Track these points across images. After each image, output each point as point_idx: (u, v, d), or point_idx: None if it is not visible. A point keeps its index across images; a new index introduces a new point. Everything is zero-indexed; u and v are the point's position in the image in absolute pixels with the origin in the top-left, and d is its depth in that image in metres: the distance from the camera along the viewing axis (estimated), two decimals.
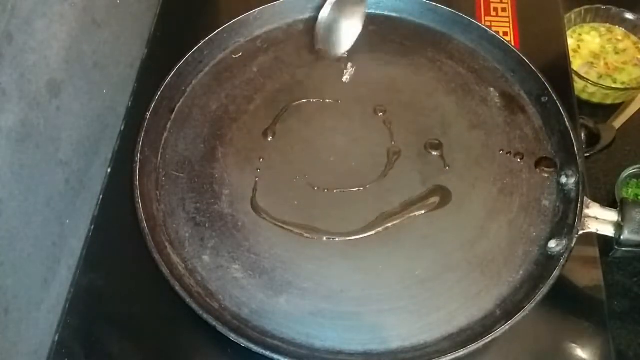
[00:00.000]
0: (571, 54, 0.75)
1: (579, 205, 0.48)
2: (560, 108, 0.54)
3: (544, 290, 0.45)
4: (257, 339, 0.45)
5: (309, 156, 0.55)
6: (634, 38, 0.84)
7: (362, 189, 0.53)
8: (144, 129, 0.53)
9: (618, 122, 0.77)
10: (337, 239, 0.50)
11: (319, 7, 0.63)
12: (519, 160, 0.54)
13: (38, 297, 0.51)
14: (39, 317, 0.51)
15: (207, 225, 0.51)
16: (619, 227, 0.47)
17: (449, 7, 0.62)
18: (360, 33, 0.63)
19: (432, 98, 0.59)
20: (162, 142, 0.56)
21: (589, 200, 0.49)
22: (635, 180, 0.72)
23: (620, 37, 0.84)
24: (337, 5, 0.56)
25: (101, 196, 0.58)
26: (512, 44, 0.61)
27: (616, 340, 0.49)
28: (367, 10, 0.64)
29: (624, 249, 0.47)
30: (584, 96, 0.79)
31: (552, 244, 0.49)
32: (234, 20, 0.61)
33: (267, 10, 0.63)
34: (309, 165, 0.54)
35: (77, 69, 0.55)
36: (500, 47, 0.60)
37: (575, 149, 0.52)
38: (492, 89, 0.59)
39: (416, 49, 0.62)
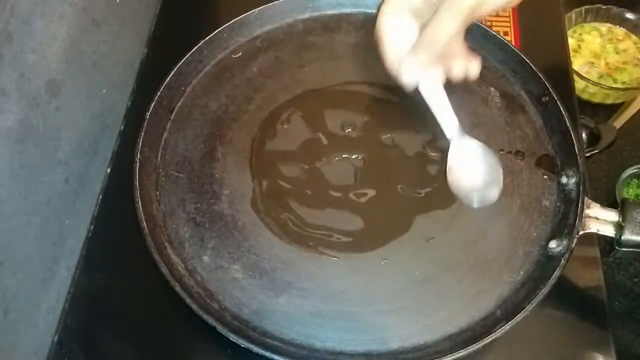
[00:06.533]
0: (572, 53, 0.75)
1: (579, 205, 0.48)
2: (561, 108, 0.54)
3: (545, 290, 0.45)
4: (257, 339, 0.44)
5: (309, 156, 0.55)
6: (634, 38, 0.84)
7: (362, 188, 0.53)
8: (144, 129, 0.53)
9: (619, 122, 0.77)
10: (337, 239, 0.50)
11: (319, 7, 0.64)
12: (519, 160, 0.54)
13: (37, 297, 0.51)
14: (38, 318, 0.51)
15: (207, 226, 0.51)
16: (619, 227, 0.47)
17: None
18: (360, 33, 0.63)
19: None
20: (162, 142, 0.55)
21: (590, 201, 0.49)
22: (636, 180, 0.72)
23: (620, 37, 0.84)
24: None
25: (101, 196, 0.58)
26: (513, 43, 0.61)
27: (617, 340, 0.49)
28: (366, 10, 0.64)
29: (624, 249, 0.47)
30: (585, 96, 0.79)
31: (553, 244, 0.48)
32: (234, 20, 0.61)
33: (267, 10, 0.62)
34: (309, 165, 0.54)
35: (76, 69, 0.55)
36: (500, 47, 0.60)
37: (576, 149, 0.52)
38: (492, 89, 0.59)
39: None
